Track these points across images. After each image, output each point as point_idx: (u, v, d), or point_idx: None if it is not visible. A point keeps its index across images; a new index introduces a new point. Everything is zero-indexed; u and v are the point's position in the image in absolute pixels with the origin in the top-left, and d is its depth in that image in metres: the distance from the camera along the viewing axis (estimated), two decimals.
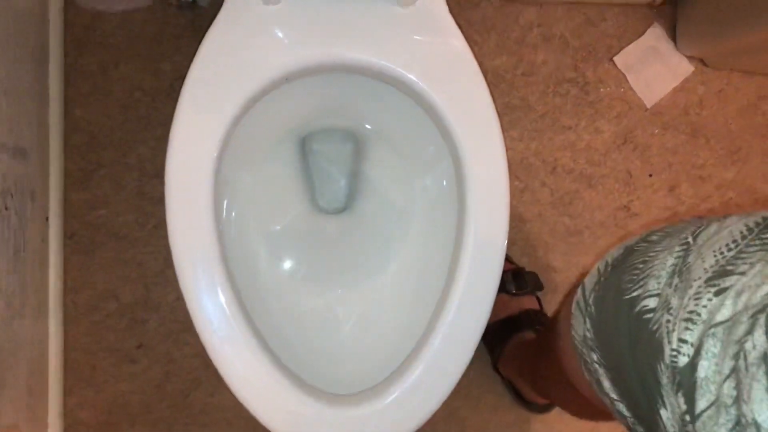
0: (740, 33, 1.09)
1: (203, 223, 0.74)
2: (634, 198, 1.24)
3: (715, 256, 0.46)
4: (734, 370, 0.40)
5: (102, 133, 1.17)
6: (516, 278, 1.14)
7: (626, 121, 1.25)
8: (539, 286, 1.17)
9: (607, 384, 0.56)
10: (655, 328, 0.48)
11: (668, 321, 0.46)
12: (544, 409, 1.16)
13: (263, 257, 0.89)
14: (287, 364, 0.75)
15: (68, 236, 1.15)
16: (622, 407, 0.55)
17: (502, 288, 1.12)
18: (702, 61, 1.27)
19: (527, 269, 1.18)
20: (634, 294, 0.51)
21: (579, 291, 0.62)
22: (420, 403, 0.74)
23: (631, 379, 0.51)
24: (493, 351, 1.14)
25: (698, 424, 0.42)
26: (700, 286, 0.45)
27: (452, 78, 0.78)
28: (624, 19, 1.26)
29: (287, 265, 0.91)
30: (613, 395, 0.56)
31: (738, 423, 0.39)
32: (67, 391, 1.14)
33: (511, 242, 1.22)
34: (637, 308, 0.50)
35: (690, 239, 0.50)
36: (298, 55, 0.77)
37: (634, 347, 0.50)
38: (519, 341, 1.09)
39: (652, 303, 0.49)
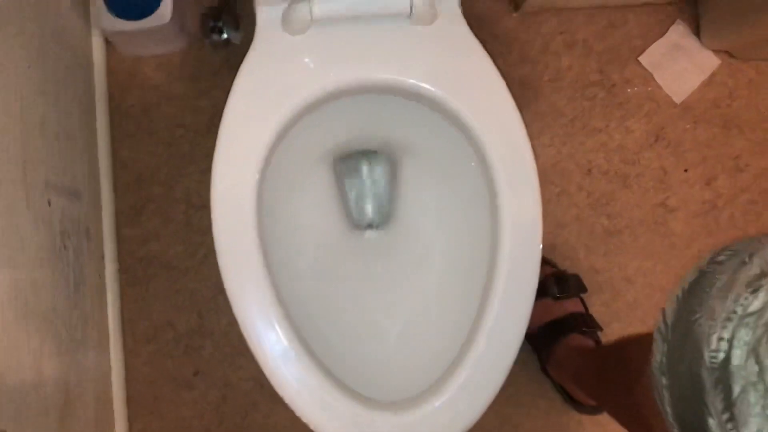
0: (765, 20, 1.09)
1: (249, 246, 0.77)
2: (670, 194, 1.25)
3: (761, 266, 0.48)
4: (755, 348, 0.42)
5: (148, 170, 1.23)
6: (559, 282, 1.15)
7: (656, 119, 1.26)
8: (583, 289, 1.17)
9: (669, 410, 0.57)
10: (698, 337, 0.49)
11: (710, 326, 0.48)
12: (596, 410, 1.15)
13: (307, 276, 0.93)
14: (338, 376, 0.78)
15: (123, 270, 1.21)
16: None
17: (546, 292, 1.13)
18: (729, 54, 1.26)
19: (569, 272, 1.19)
20: (698, 315, 0.52)
21: (660, 317, 0.63)
22: (469, 405, 0.76)
23: (685, 400, 0.52)
24: (540, 354, 1.14)
25: (736, 411, 0.44)
26: (740, 290, 0.47)
27: (475, 90, 0.81)
28: (646, 18, 1.27)
29: (330, 283, 0.94)
30: (671, 420, 0.55)
31: (766, 393, 0.41)
32: (131, 420, 1.19)
33: (552, 247, 1.23)
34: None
35: (746, 258, 0.51)
36: (326, 80, 0.81)
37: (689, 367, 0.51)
38: (568, 345, 1.10)
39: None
